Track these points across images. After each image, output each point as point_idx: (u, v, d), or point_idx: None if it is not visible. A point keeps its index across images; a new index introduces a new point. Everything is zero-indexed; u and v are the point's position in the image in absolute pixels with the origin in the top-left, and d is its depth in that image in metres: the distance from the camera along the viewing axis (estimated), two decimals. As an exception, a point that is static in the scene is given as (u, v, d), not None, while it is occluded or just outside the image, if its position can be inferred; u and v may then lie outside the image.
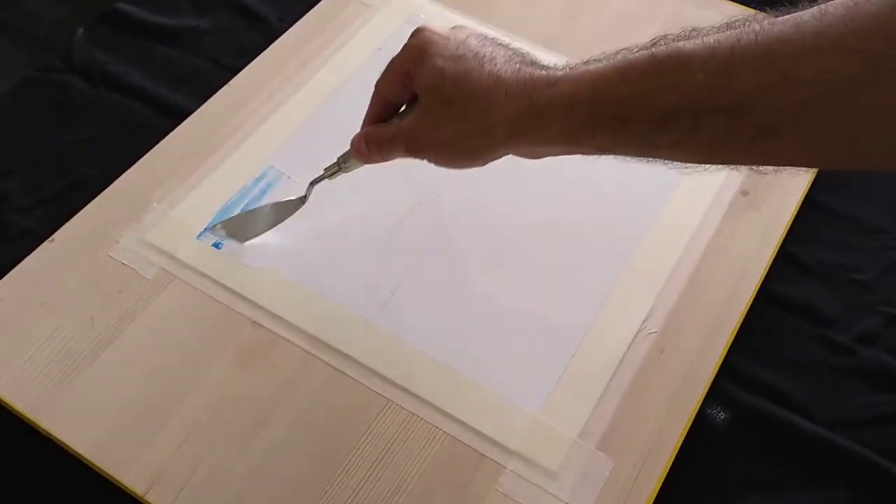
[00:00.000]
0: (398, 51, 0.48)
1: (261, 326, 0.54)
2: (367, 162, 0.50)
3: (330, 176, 0.53)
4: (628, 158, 0.42)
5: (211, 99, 0.65)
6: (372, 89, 0.64)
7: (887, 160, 0.38)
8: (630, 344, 0.53)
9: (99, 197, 0.60)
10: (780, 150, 0.38)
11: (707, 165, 0.42)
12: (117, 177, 0.61)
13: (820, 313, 0.58)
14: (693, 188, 0.60)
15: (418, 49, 0.45)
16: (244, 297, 0.55)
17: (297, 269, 0.56)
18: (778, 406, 0.54)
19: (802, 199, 0.61)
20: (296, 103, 0.65)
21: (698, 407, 0.51)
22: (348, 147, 0.50)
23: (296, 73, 0.67)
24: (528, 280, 0.56)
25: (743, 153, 0.39)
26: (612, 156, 0.43)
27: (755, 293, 0.56)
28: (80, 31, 0.73)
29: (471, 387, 0.51)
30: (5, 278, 0.56)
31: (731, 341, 0.54)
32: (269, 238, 0.57)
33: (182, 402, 0.51)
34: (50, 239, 0.57)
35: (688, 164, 0.41)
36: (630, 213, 0.59)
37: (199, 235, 0.57)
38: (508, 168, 0.61)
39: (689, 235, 0.58)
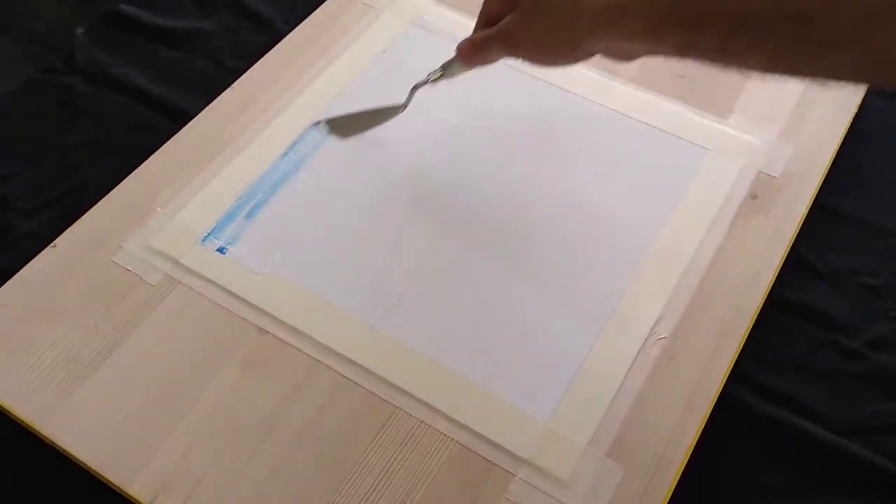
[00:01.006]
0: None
1: (267, 333, 0.53)
2: (470, 63, 0.54)
3: (433, 81, 0.56)
4: (706, 63, 0.44)
5: (215, 101, 0.65)
6: (378, 91, 0.64)
7: None
8: (640, 350, 0.52)
9: (102, 201, 0.59)
10: (842, 63, 0.39)
11: (778, 75, 0.43)
12: (120, 180, 0.60)
13: (831, 318, 0.57)
14: (702, 193, 0.60)
15: None
16: (250, 304, 0.54)
17: (304, 274, 0.55)
18: (790, 412, 0.53)
19: (811, 202, 0.60)
20: (300, 105, 0.64)
21: (709, 413, 0.51)
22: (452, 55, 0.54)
23: (300, 75, 0.66)
24: (536, 285, 0.55)
25: (808, 64, 0.40)
26: (691, 59, 0.44)
27: (765, 298, 0.55)
28: (82, 32, 0.72)
29: (480, 394, 0.51)
30: (7, 284, 0.55)
31: (741, 347, 0.53)
32: (263, 234, 0.57)
33: (188, 409, 0.50)
34: (52, 244, 0.57)
35: (760, 72, 0.43)
36: (638, 219, 0.59)
37: (203, 241, 0.57)
38: (516, 174, 0.61)
39: (699, 240, 0.57)
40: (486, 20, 0.52)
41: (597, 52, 0.49)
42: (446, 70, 0.55)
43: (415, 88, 0.58)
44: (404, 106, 0.58)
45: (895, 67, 0.39)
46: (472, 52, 0.53)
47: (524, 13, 0.49)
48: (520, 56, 0.51)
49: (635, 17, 0.43)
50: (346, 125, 0.61)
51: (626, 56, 0.50)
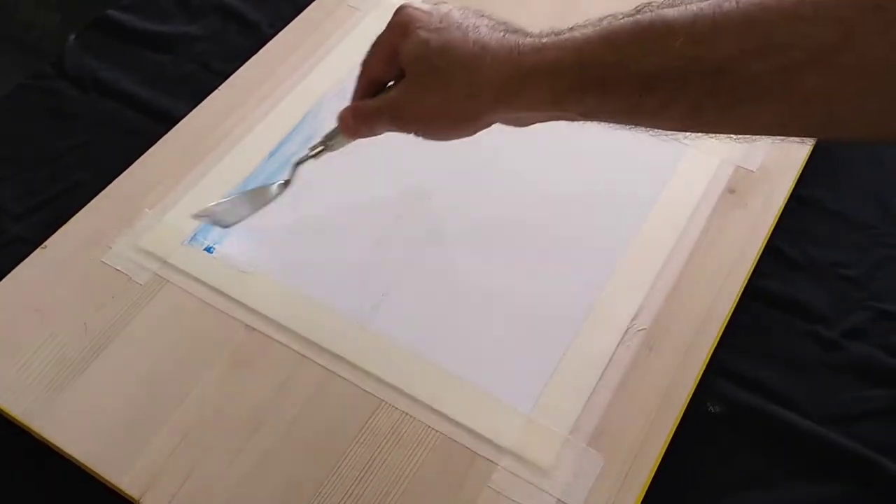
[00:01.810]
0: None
1: (254, 330, 0.54)
2: (354, 137, 0.50)
3: (315, 155, 0.52)
4: (612, 125, 0.43)
5: (202, 104, 0.66)
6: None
7: (862, 128, 0.40)
8: (620, 341, 0.53)
9: (91, 203, 0.60)
10: (760, 115, 0.39)
11: (689, 133, 0.42)
12: (109, 183, 0.61)
13: (809, 309, 0.58)
14: (681, 187, 0.61)
15: (402, 25, 0.46)
16: (237, 301, 0.55)
17: (290, 272, 0.56)
18: (768, 402, 0.54)
19: (789, 195, 0.61)
20: (286, 107, 0.65)
21: (688, 403, 0.52)
22: (335, 125, 0.50)
23: (285, 77, 0.67)
24: (518, 279, 0.56)
25: (725, 117, 0.40)
26: (595, 122, 0.43)
27: (743, 289, 0.56)
28: (72, 37, 0.73)
29: (463, 386, 0.52)
30: (-2, 285, 0.56)
31: (719, 337, 0.54)
32: (250, 233, 0.57)
33: (176, 406, 0.51)
34: (43, 245, 0.58)
35: (671, 132, 0.42)
36: (618, 212, 0.60)
37: (190, 241, 0.57)
38: (498, 169, 0.62)
39: (677, 234, 0.58)
40: (367, 85, 0.49)
41: (495, 122, 0.46)
42: (329, 143, 0.51)
43: (297, 164, 0.53)
44: (287, 182, 0.54)
45: (814, 117, 0.38)
46: (357, 125, 0.49)
47: (416, 85, 0.45)
48: (411, 131, 0.47)
49: (539, 88, 0.42)
50: (228, 211, 0.55)
51: (525, 122, 0.47)
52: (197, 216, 0.55)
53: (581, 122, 0.44)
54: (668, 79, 0.39)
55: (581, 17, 0.71)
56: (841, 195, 0.64)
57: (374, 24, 0.71)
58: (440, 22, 0.44)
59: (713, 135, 0.43)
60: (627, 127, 0.43)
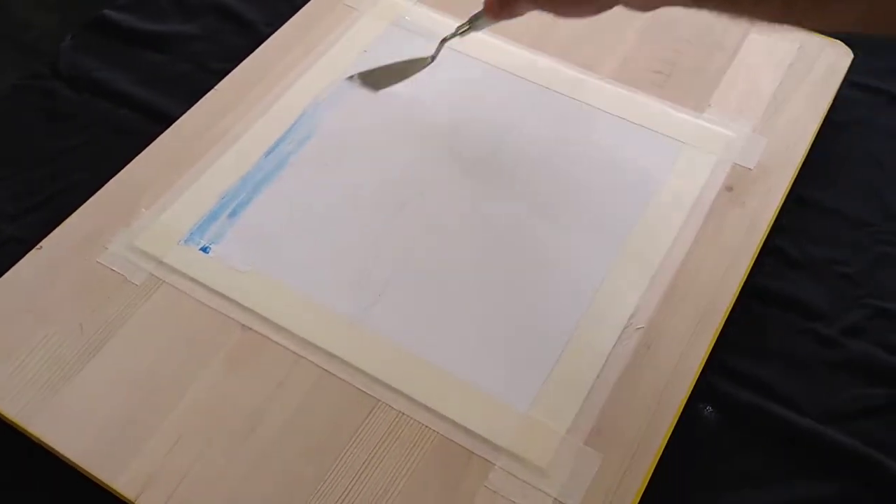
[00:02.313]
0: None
1: (250, 329, 0.54)
2: (497, 17, 0.54)
3: (462, 33, 0.58)
4: (720, 13, 0.44)
5: (198, 103, 0.66)
6: (359, 91, 0.65)
7: None
8: (617, 340, 0.53)
9: (87, 203, 0.60)
10: (846, 12, 0.40)
11: (788, 25, 0.44)
12: (105, 183, 0.61)
13: (808, 307, 0.58)
14: (679, 185, 0.61)
15: None
16: (233, 301, 0.55)
17: (286, 272, 0.56)
18: (767, 400, 0.54)
19: (787, 194, 0.61)
20: (282, 106, 0.65)
21: (686, 401, 0.51)
22: (476, 10, 0.55)
23: (282, 76, 0.67)
24: (515, 277, 0.56)
25: (814, 12, 0.41)
26: (707, 8, 0.44)
27: (741, 287, 0.56)
28: (68, 38, 0.73)
29: (460, 385, 0.51)
30: (-7, 286, 0.56)
31: (717, 336, 0.54)
32: (245, 233, 0.58)
33: (172, 406, 0.51)
34: (38, 246, 0.57)
35: (770, 22, 0.43)
36: (616, 210, 0.59)
37: (186, 241, 0.57)
38: (494, 168, 0.62)
39: (675, 231, 0.58)
40: None
41: (619, 2, 0.49)
42: (473, 23, 0.57)
43: (443, 41, 0.59)
44: (433, 58, 0.60)
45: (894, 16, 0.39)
46: (499, 5, 0.53)
47: None
48: (545, 7, 0.51)
49: None
50: (378, 78, 0.63)
51: (644, 5, 0.50)
52: (350, 79, 0.64)
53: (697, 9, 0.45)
54: None
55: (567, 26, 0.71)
56: (839, 193, 0.64)
57: (370, 24, 0.71)
58: None
59: (809, 28, 0.45)
60: (732, 15, 0.44)
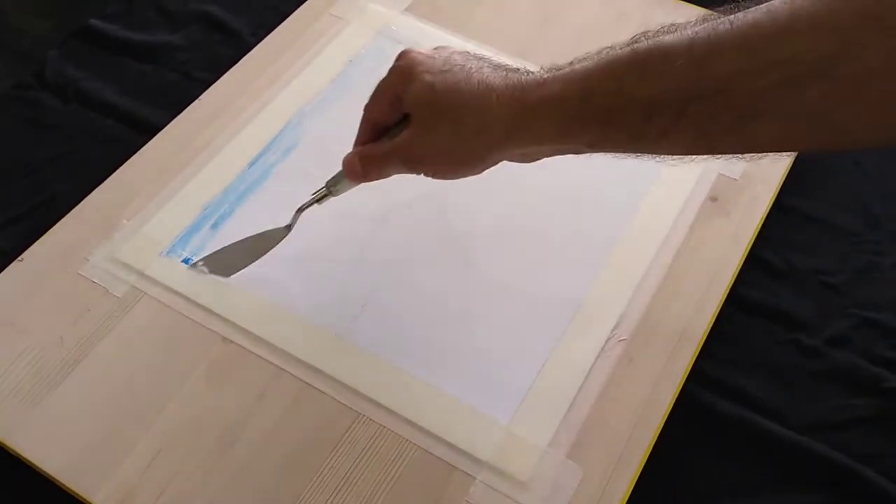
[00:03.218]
0: (385, 73, 0.49)
1: (231, 342, 0.54)
2: (361, 181, 0.50)
3: (318, 200, 0.53)
4: (618, 155, 0.44)
5: (181, 114, 0.65)
6: (345, 101, 0.65)
7: (867, 137, 0.40)
8: (600, 352, 0.53)
9: (68, 215, 0.59)
10: (763, 132, 0.39)
11: (694, 157, 0.43)
12: (89, 193, 0.61)
13: (792, 317, 0.58)
14: (662, 196, 0.61)
15: (406, 70, 0.47)
16: (215, 314, 0.54)
17: (268, 284, 0.56)
18: (750, 411, 0.54)
19: (772, 204, 0.61)
20: (267, 116, 0.65)
21: (668, 413, 0.51)
22: (338, 170, 0.51)
23: (267, 85, 0.67)
24: (498, 291, 0.56)
25: (727, 138, 0.40)
26: (602, 152, 0.44)
27: (724, 298, 0.56)
28: (54, 49, 0.73)
29: (441, 398, 0.51)
30: (-26, 299, 0.56)
31: (700, 347, 0.54)
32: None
33: (153, 419, 0.51)
34: (19, 258, 0.57)
35: (676, 157, 0.43)
36: (600, 222, 0.59)
37: (168, 252, 0.57)
38: (477, 182, 0.61)
39: (659, 243, 0.58)
40: (371, 128, 0.49)
41: (503, 160, 0.47)
42: (332, 189, 0.52)
43: (299, 210, 0.54)
44: (289, 227, 0.54)
45: (817, 131, 0.39)
46: (365, 169, 0.49)
47: (424, 127, 0.46)
48: (421, 172, 0.48)
49: (545, 120, 0.43)
50: (227, 260, 0.56)
51: (532, 158, 0.48)
52: (193, 266, 0.56)
53: (587, 154, 0.45)
54: (669, 103, 0.39)
55: (563, 24, 0.71)
56: (823, 203, 0.64)
57: (356, 34, 0.71)
58: (444, 65, 0.45)
59: (721, 156, 0.43)
60: (634, 156, 0.43)
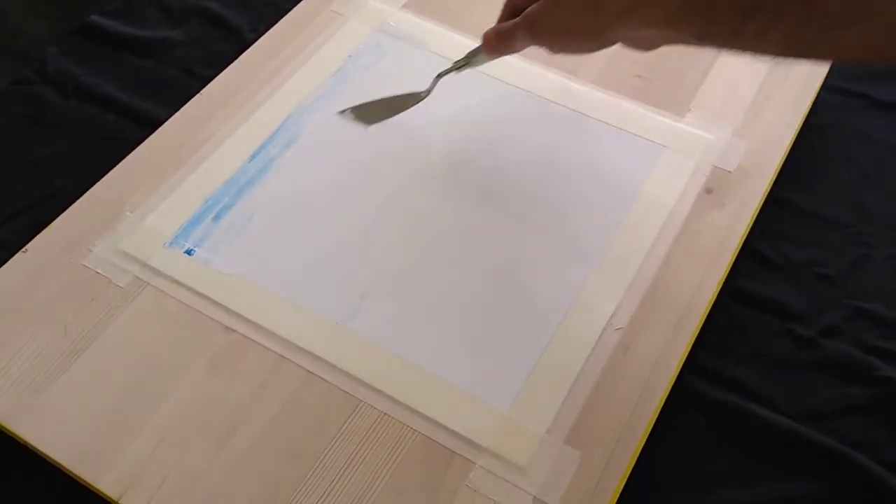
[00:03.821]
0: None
1: (233, 332, 0.54)
2: (495, 53, 0.55)
3: (458, 69, 0.58)
4: (722, 50, 0.46)
5: (184, 108, 0.66)
6: (344, 96, 0.66)
7: None
8: (597, 340, 0.54)
9: (72, 207, 0.60)
10: (855, 39, 0.40)
11: (791, 58, 0.44)
12: (91, 187, 0.61)
13: (786, 308, 0.59)
14: (659, 187, 0.61)
15: None
16: (217, 303, 0.55)
17: (269, 274, 0.57)
18: (745, 400, 0.55)
19: (766, 196, 0.62)
20: (267, 110, 0.66)
21: (664, 401, 0.52)
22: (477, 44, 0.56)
23: (267, 81, 0.68)
24: (496, 279, 0.57)
25: (821, 43, 0.41)
26: (708, 46, 0.46)
27: (719, 289, 0.57)
28: (54, 45, 0.74)
29: (441, 386, 0.52)
30: (-22, 289, 0.56)
31: (695, 337, 0.55)
32: (230, 235, 0.58)
33: (156, 407, 0.51)
34: (23, 249, 0.58)
35: (774, 56, 0.44)
36: (597, 213, 0.60)
37: (171, 244, 0.58)
38: (476, 172, 0.62)
39: (655, 234, 0.59)
40: (511, 11, 0.54)
41: (618, 41, 0.50)
42: (471, 59, 0.57)
43: (439, 76, 0.60)
44: (428, 92, 0.61)
45: None
46: (498, 41, 0.54)
47: (550, 1, 0.50)
48: (544, 44, 0.52)
49: (655, 6, 0.45)
50: (370, 112, 0.63)
51: (647, 45, 0.51)
52: (342, 113, 0.63)
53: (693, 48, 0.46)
54: (765, 6, 0.41)
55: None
56: (817, 195, 0.65)
57: (356, 30, 0.71)
58: None
59: (813, 60, 0.45)
60: (735, 52, 0.45)
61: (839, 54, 0.43)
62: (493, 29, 0.55)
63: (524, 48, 0.53)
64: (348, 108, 0.63)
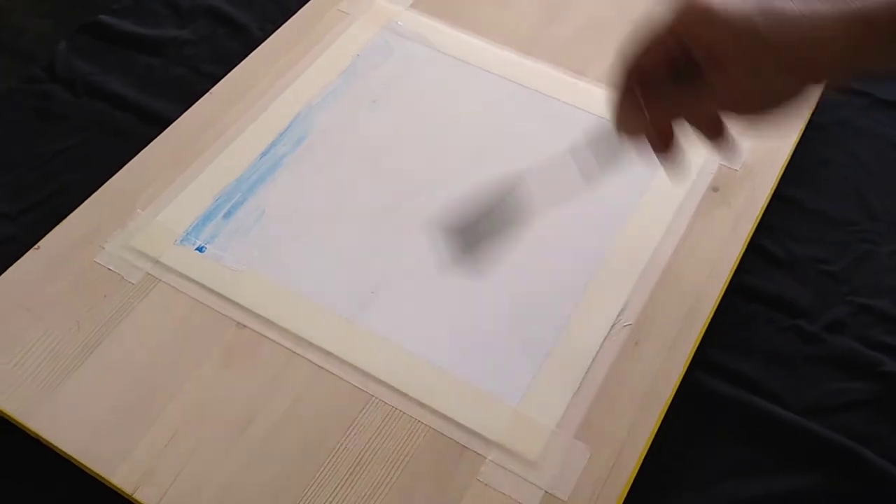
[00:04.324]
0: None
1: (245, 327, 0.55)
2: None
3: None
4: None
5: (194, 105, 0.66)
6: (352, 94, 0.66)
7: None
8: (606, 336, 0.54)
9: (84, 204, 0.60)
10: None
11: None
12: (101, 184, 0.62)
13: (792, 304, 0.59)
14: (666, 186, 0.62)
15: (700, 10, 0.41)
16: (228, 299, 0.55)
17: (281, 270, 0.57)
18: (751, 394, 0.55)
19: (772, 194, 0.62)
20: (277, 108, 0.66)
21: (673, 396, 0.53)
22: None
23: (276, 79, 0.68)
24: (506, 274, 0.57)
25: None
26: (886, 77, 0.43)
27: (726, 286, 0.57)
28: (63, 42, 0.74)
29: (452, 381, 0.52)
30: (-8, 285, 0.57)
31: (703, 332, 0.55)
32: (240, 232, 0.58)
33: (168, 402, 0.52)
34: (36, 246, 0.58)
35: None
36: (605, 210, 0.61)
37: (182, 240, 0.58)
38: (486, 166, 0.63)
39: (663, 231, 0.59)
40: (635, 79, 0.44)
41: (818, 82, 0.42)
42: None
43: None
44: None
45: None
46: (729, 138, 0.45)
47: (743, 67, 0.40)
48: (750, 122, 0.43)
49: (883, 26, 0.39)
50: (471, 235, 0.49)
51: (842, 80, 0.44)
52: (446, 233, 0.48)
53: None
54: None
55: (568, 19, 0.72)
56: (822, 193, 0.65)
57: (363, 29, 0.72)
58: (742, 2, 0.40)
59: None
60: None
61: None
62: (705, 125, 0.44)
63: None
64: (446, 229, 0.50)
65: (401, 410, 0.51)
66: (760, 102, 0.42)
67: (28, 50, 0.80)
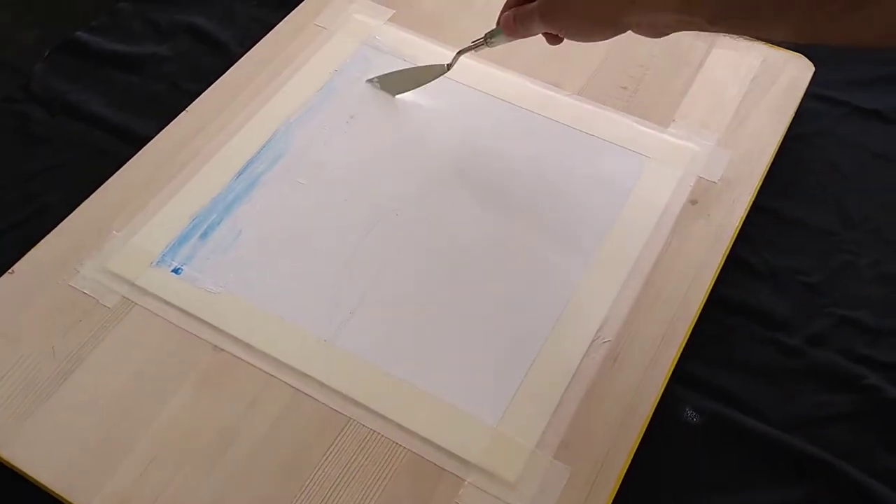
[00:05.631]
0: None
1: (222, 350, 0.54)
2: (512, 35, 0.56)
3: (475, 48, 0.61)
4: (733, 36, 0.47)
5: (169, 125, 0.66)
6: (331, 110, 0.66)
7: None
8: (585, 353, 0.54)
9: (58, 227, 0.60)
10: (866, 23, 0.40)
11: (807, 41, 0.44)
12: (78, 205, 0.61)
13: (771, 317, 0.59)
14: (644, 199, 0.62)
15: None
16: (205, 322, 0.55)
17: (257, 292, 0.57)
18: (732, 409, 0.55)
19: (750, 205, 0.62)
20: (254, 126, 0.66)
21: (652, 412, 0.52)
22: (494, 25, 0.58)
23: (254, 96, 0.68)
24: (484, 295, 0.57)
25: (833, 27, 0.41)
26: (720, 31, 0.46)
27: (706, 299, 0.57)
28: (39, 64, 0.74)
29: (430, 402, 0.52)
30: (-34, 311, 0.56)
31: (682, 347, 0.55)
32: (217, 254, 0.58)
33: (145, 428, 0.51)
34: (10, 270, 0.58)
35: (790, 39, 0.44)
36: (582, 225, 0.60)
37: (158, 263, 0.58)
38: (463, 187, 0.63)
39: (641, 245, 0.59)
40: None
41: (632, 27, 0.50)
42: (488, 40, 0.59)
43: (459, 53, 0.62)
44: (449, 67, 0.63)
45: None
46: (516, 24, 0.55)
47: None
48: (559, 29, 0.53)
49: None
50: (396, 82, 0.67)
51: (658, 31, 0.51)
52: (371, 81, 0.68)
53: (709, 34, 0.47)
54: None
55: (541, 37, 0.72)
56: (802, 204, 0.65)
57: (341, 44, 0.72)
58: None
59: (826, 43, 0.44)
60: (747, 37, 0.45)
61: (853, 39, 0.42)
62: (512, 11, 0.56)
63: (540, 32, 0.55)
64: (375, 77, 0.67)
65: (379, 433, 0.51)
66: (576, 17, 0.51)
67: (12, 63, 0.79)
